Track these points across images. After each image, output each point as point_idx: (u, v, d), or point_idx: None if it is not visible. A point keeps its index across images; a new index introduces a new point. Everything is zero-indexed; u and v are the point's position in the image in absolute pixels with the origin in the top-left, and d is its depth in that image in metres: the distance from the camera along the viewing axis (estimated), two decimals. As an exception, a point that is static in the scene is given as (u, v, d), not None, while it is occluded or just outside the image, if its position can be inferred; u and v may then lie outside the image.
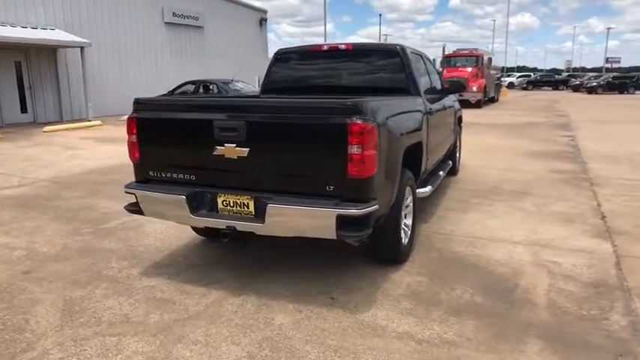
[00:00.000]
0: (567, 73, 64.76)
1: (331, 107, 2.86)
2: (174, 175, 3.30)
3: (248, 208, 3.09)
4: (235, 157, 3.01)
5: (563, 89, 44.42)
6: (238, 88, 14.98)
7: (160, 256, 4.03)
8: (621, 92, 35.82)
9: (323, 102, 3.10)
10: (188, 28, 22.02)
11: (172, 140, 3.31)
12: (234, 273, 3.62)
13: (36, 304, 3.17)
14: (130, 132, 3.39)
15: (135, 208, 3.44)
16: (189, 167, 3.26)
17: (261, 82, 18.36)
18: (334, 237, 2.87)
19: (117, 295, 3.29)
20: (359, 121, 2.73)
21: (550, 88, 46.13)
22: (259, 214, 3.03)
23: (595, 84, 38.60)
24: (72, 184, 6.84)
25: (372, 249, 3.49)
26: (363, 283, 3.41)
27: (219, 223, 3.13)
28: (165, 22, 20.65)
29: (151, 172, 3.39)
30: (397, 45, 4.49)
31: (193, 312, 3.04)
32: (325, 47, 4.68)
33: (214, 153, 3.07)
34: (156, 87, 18.36)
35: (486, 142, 10.39)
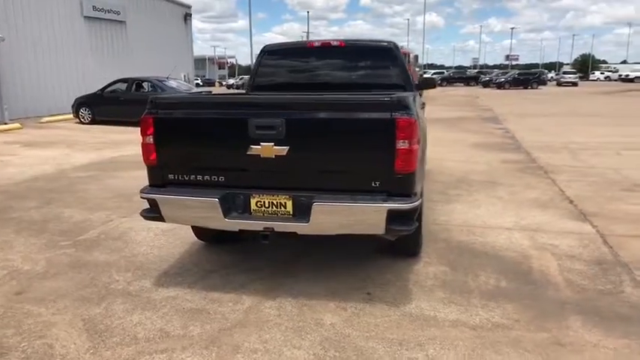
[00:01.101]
0: (476, 70, 69.59)
1: (377, 103, 2.88)
2: (200, 178, 3.11)
3: (285, 207, 3.01)
4: (273, 157, 2.91)
5: (474, 85, 47.66)
6: (174, 87, 14.32)
7: (166, 265, 3.78)
8: (525, 87, 39.22)
9: (368, 97, 3.09)
10: (110, 22, 20.61)
11: (198, 140, 3.12)
12: (255, 276, 3.50)
13: (51, 327, 2.85)
14: (145, 133, 3.14)
15: (153, 215, 3.20)
16: (217, 168, 3.09)
17: (188, 79, 17.67)
18: (382, 232, 2.89)
19: (140, 310, 3.05)
20: (405, 116, 2.77)
21: (462, 84, 49.35)
22: (300, 214, 2.96)
23: (503, 80, 41.96)
24: (20, 194, 6.16)
25: (402, 243, 3.54)
26: (390, 277, 3.47)
27: (256, 225, 3.02)
28: (85, 17, 19.16)
29: (170, 175, 3.17)
30: (390, 42, 4.58)
31: (234, 320, 2.90)
32: (317, 44, 4.64)
33: (248, 153, 2.94)
34: (77, 86, 17.02)
35: (434, 136, 10.89)
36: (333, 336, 2.70)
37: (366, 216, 2.86)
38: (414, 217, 2.93)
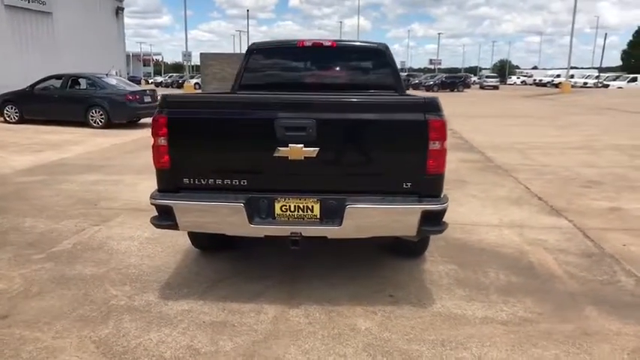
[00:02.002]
0: (405, 74, 72.28)
1: (411, 104, 2.87)
2: (220, 181, 2.92)
3: (312, 211, 2.91)
4: (302, 158, 2.81)
5: (405, 88, 49.35)
6: (114, 84, 13.44)
7: (165, 275, 3.53)
8: (452, 90, 41.39)
9: (402, 98, 3.07)
10: (34, 13, 18.93)
11: (219, 142, 2.92)
12: (267, 283, 3.36)
13: (58, 354, 2.55)
14: (156, 133, 2.90)
15: (166, 223, 2.96)
16: (239, 171, 2.92)
17: (121, 75, 16.77)
18: (414, 234, 2.89)
19: (156, 327, 2.81)
20: (438, 117, 2.79)
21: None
22: (328, 217, 2.88)
23: (432, 83, 44.01)
24: (-39, 203, 5.47)
25: (415, 243, 3.56)
26: (405, 278, 3.49)
27: (282, 231, 2.89)
28: (6, 5, 17.43)
29: (185, 180, 2.95)
30: (381, 43, 4.60)
31: (264, 331, 2.76)
32: (307, 43, 4.55)
33: (275, 155, 2.81)
34: (-1, 81, 15.45)
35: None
36: (373, 341, 2.66)
37: (400, 218, 2.85)
38: (443, 217, 2.96)
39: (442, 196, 2.93)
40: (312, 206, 2.91)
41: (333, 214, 2.88)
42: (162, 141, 2.89)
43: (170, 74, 65.59)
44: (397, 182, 2.87)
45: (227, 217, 2.88)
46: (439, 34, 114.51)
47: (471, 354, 2.53)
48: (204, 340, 2.66)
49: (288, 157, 2.81)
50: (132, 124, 13.17)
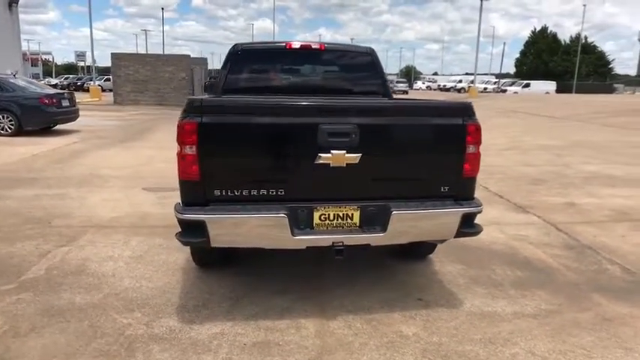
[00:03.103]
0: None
1: (452, 108, 2.92)
2: (255, 192, 2.74)
3: (352, 219, 2.85)
4: (343, 165, 2.73)
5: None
6: (22, 86, 12.02)
7: (174, 297, 3.23)
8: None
9: (441, 103, 3.08)
10: None
11: (255, 150, 2.73)
12: (291, 297, 3.23)
13: (97, 396, 2.22)
14: (184, 141, 2.64)
15: (196, 239, 2.71)
16: (276, 180, 2.76)
17: (15, 77, 15.09)
18: (452, 236, 2.94)
19: (195, 355, 2.57)
20: (474, 122, 2.88)
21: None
22: (368, 224, 2.84)
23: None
24: None
25: (427, 246, 3.62)
26: (423, 280, 3.55)
27: (325, 241, 2.79)
28: None
29: (216, 191, 2.72)
30: (368, 47, 4.64)
31: (316, 347, 2.65)
32: (296, 45, 4.45)
33: (316, 162, 2.71)
34: None
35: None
36: (427, 346, 2.67)
37: (443, 221, 2.89)
38: (475, 218, 3.05)
39: (474, 198, 3.02)
40: (352, 214, 2.85)
41: (373, 221, 2.85)
42: (191, 150, 2.65)
43: (65, 76, 59.90)
44: (436, 186, 2.91)
45: (268, 229, 2.72)
46: (352, 39, 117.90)
47: (521, 349, 2.64)
48: (256, 364, 2.48)
49: (329, 163, 2.73)
50: (46, 130, 11.89)
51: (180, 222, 2.73)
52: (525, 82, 46.29)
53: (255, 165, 2.76)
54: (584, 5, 54.85)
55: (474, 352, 2.60)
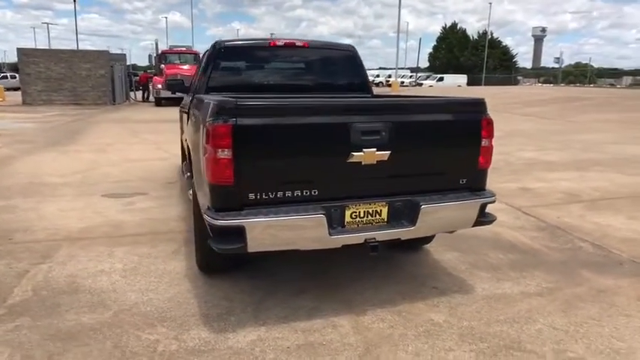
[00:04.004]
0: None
1: (470, 103, 3.07)
2: (289, 194, 2.71)
3: (380, 215, 2.92)
4: (374, 163, 2.79)
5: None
6: None
7: (193, 308, 3.10)
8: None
9: (463, 99, 3.20)
10: None
11: (290, 151, 2.69)
12: (311, 296, 3.24)
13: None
14: (218, 144, 2.54)
15: (235, 245, 2.62)
16: (311, 180, 2.75)
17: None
18: (471, 226, 3.12)
19: (243, 363, 2.50)
20: (487, 116, 3.07)
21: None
22: (396, 219, 2.93)
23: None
24: None
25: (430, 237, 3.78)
26: (428, 270, 3.72)
27: (357, 238, 2.83)
28: None
29: (251, 195, 2.65)
30: (350, 45, 4.71)
31: (360, 343, 2.70)
32: (280, 43, 4.39)
33: (349, 160, 2.74)
34: None
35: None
36: (461, 331, 2.82)
37: (465, 212, 3.05)
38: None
39: (486, 189, 3.22)
40: (381, 210, 2.92)
41: (400, 216, 2.94)
42: (226, 153, 2.56)
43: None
44: (455, 179, 3.07)
45: (307, 230, 2.70)
46: (272, 34, 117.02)
47: (543, 325, 2.88)
48: (310, 366, 2.48)
49: (361, 162, 2.77)
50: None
51: (216, 228, 2.62)
52: (439, 75, 49.12)
53: (289, 166, 2.73)
54: (490, 3, 59.24)
55: (505, 332, 2.80)
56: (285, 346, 2.66)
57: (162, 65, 21.79)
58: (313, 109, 2.80)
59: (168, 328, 2.85)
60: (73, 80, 22.39)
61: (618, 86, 58.34)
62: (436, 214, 2.96)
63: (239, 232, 2.59)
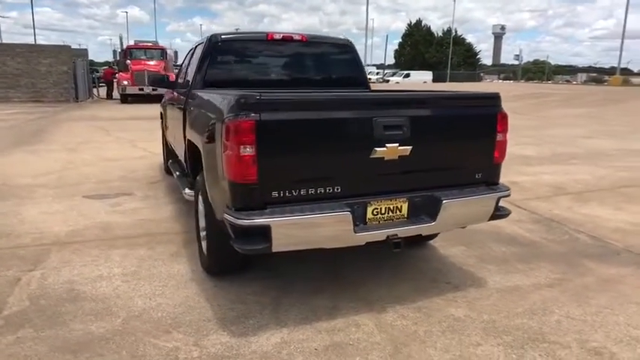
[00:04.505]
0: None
1: (488, 98, 3.07)
2: (312, 191, 2.63)
3: (401, 211, 2.89)
4: (396, 158, 2.75)
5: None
6: None
7: (206, 312, 2.98)
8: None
9: (480, 93, 3.19)
10: None
11: (314, 147, 2.61)
12: (328, 296, 3.17)
13: None
14: (240, 141, 2.43)
15: (260, 246, 2.52)
16: (333, 177, 2.68)
17: None
18: (486, 220, 3.13)
19: (272, 368, 2.41)
20: (503, 111, 3.08)
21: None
22: (415, 215, 2.91)
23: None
24: None
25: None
26: (437, 265, 3.72)
27: (381, 235, 2.79)
28: None
29: (274, 193, 2.56)
30: (346, 39, 4.66)
31: (388, 341, 2.66)
32: (277, 36, 4.28)
33: (372, 156, 2.69)
34: None
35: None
36: (484, 325, 2.82)
37: (483, 206, 3.05)
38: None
39: (500, 183, 3.24)
40: (401, 206, 2.88)
41: (420, 211, 2.92)
42: (249, 150, 2.46)
43: None
44: (471, 173, 3.07)
45: (333, 228, 2.63)
46: (237, 29, 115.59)
47: (560, 315, 2.93)
48: (342, 367, 2.42)
49: (383, 157, 2.73)
50: None
51: (239, 228, 2.52)
52: (406, 72, 49.79)
53: (313, 162, 2.65)
54: (454, 0, 60.57)
55: (527, 324, 2.82)
56: (312, 347, 2.59)
57: (128, 61, 21.08)
58: (338, 103, 2.73)
59: (185, 334, 2.72)
60: (32, 76, 21.36)
61: (574, 82, 60.78)
62: (456, 209, 2.95)
63: (264, 232, 2.50)
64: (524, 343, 2.63)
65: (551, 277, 3.49)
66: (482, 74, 58.97)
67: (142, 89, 20.59)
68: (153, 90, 20.78)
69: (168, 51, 23.30)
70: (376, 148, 2.69)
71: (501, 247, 4.06)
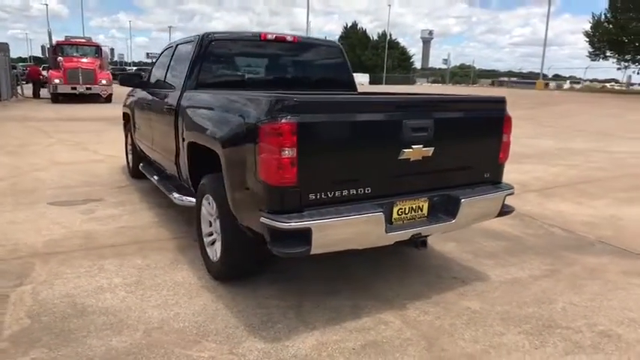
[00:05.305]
0: (134, 68, 67.77)
1: (498, 101, 3.25)
2: (346, 192, 2.66)
3: (422, 210, 2.99)
4: (420, 159, 2.86)
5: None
6: None
7: (231, 319, 2.91)
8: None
9: (491, 97, 3.33)
10: None
11: (350, 149, 2.65)
12: (346, 296, 3.22)
13: None
14: (281, 143, 2.41)
15: (300, 249, 2.50)
16: (366, 178, 2.73)
17: None
18: (494, 217, 3.32)
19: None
20: (508, 113, 3.29)
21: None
22: (434, 213, 3.02)
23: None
24: None
25: None
26: (437, 261, 3.88)
27: (406, 234, 2.87)
28: None
29: (312, 195, 2.56)
30: (335, 41, 4.73)
31: (421, 336, 2.75)
32: (270, 37, 4.25)
33: (400, 157, 2.78)
34: None
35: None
36: (501, 315, 3.00)
37: (494, 204, 3.23)
38: None
39: (503, 182, 3.45)
40: (422, 205, 2.99)
41: (438, 210, 3.04)
42: (290, 152, 2.44)
43: None
44: (481, 173, 3.25)
45: (367, 229, 2.68)
46: (170, 27, 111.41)
47: (564, 303, 3.17)
48: (385, 364, 2.47)
49: (409, 158, 2.83)
50: None
51: (280, 232, 2.48)
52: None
53: (348, 164, 2.69)
54: (390, 5, 62.58)
55: (538, 313, 3.04)
56: (349, 347, 2.62)
57: (60, 58, 19.71)
58: (373, 105, 2.79)
59: (217, 343, 2.65)
60: (-54, 73, 19.35)
61: (497, 87, 64.94)
62: (473, 207, 3.10)
63: (305, 235, 2.49)
64: (542, 329, 2.84)
65: (543, 268, 3.76)
66: (415, 77, 61.52)
67: (74, 88, 19.38)
68: (87, 89, 19.71)
69: (104, 48, 22.04)
70: (404, 150, 2.78)
71: (490, 242, 4.31)
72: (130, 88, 6.29)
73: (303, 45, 4.52)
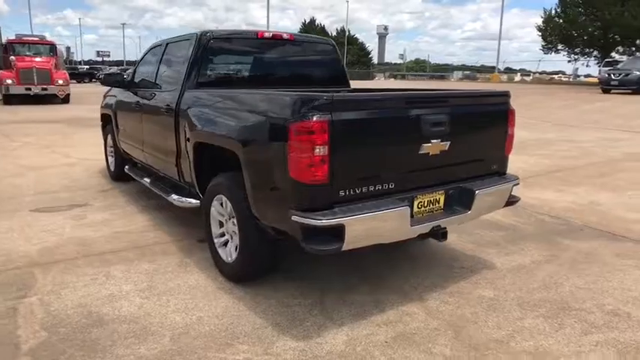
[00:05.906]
0: (87, 67, 65.22)
1: (502, 95, 3.36)
2: (372, 188, 2.71)
3: (439, 203, 3.07)
4: (437, 153, 2.93)
5: (93, 82, 44.84)
6: None
7: (255, 319, 2.90)
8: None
9: (500, 91, 3.42)
10: None
11: (377, 145, 2.70)
12: (366, 290, 3.26)
13: None
14: (313, 141, 2.42)
15: (334, 246, 2.51)
16: (389, 174, 2.78)
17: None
18: (502, 207, 3.44)
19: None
20: (512, 107, 3.42)
21: (74, 81, 45.58)
22: (450, 205, 3.11)
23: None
24: None
25: None
26: (442, 253, 3.99)
27: (427, 227, 2.94)
28: None
29: (341, 192, 2.58)
30: (329, 39, 4.75)
31: (445, 327, 2.83)
32: (267, 35, 4.22)
33: (420, 152, 2.85)
34: None
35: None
36: (516, 301, 3.13)
37: (503, 194, 3.36)
38: None
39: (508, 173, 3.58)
40: (439, 198, 3.07)
41: (453, 202, 3.13)
42: (322, 150, 2.45)
43: None
44: (489, 165, 3.37)
45: (395, 223, 2.73)
46: (124, 24, 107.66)
47: (570, 286, 3.34)
48: (419, 356, 2.53)
49: (429, 152, 2.90)
50: None
51: (313, 229, 2.49)
52: (306, 70, 50.62)
53: (374, 160, 2.74)
54: (347, 1, 62.93)
55: (548, 297, 3.18)
56: (381, 340, 2.67)
57: (12, 57, 18.66)
58: (399, 100, 2.85)
59: (249, 345, 2.63)
60: None
61: (452, 80, 66.68)
62: (486, 198, 3.21)
63: (338, 231, 2.51)
64: (557, 312, 2.98)
65: (543, 254, 3.94)
66: (374, 73, 62.35)
67: (29, 89, 18.40)
68: (43, 90, 18.78)
69: (59, 47, 21.04)
70: (424, 144, 2.85)
71: (487, 232, 4.46)
72: (107, 88, 6.09)
73: (299, 42, 4.52)
